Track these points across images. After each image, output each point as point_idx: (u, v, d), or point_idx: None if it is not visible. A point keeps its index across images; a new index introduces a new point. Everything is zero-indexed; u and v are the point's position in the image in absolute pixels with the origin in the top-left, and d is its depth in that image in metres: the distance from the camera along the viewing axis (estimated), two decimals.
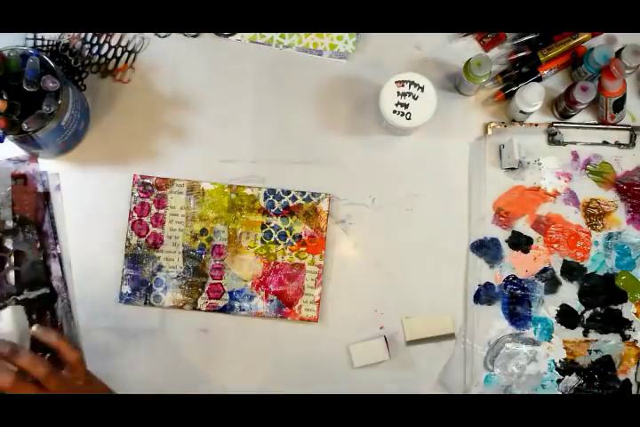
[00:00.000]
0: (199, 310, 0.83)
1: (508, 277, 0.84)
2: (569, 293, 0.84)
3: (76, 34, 0.87)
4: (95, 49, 0.87)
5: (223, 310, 0.83)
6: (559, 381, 0.82)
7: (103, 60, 0.87)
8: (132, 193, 0.84)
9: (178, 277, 0.83)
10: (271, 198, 0.85)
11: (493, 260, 0.84)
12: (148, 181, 0.85)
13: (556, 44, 0.86)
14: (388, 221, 0.85)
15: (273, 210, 0.84)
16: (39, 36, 0.86)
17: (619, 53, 0.83)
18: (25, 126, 0.74)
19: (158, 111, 0.87)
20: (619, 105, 0.84)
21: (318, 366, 0.83)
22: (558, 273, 0.84)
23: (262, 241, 0.84)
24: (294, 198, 0.85)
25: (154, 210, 0.84)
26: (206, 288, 0.83)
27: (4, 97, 0.75)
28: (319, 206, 0.84)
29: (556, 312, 0.83)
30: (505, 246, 0.84)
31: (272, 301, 0.83)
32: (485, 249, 0.84)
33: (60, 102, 0.75)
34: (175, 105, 0.87)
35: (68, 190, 0.85)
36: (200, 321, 0.84)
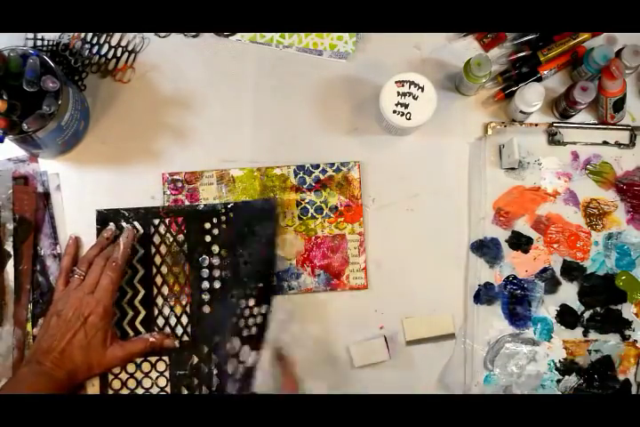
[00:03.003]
0: None
1: (507, 277, 0.84)
2: (569, 293, 0.84)
3: (75, 34, 0.87)
4: (95, 49, 0.87)
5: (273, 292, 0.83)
6: (559, 381, 0.82)
7: (103, 60, 0.87)
8: (164, 192, 0.85)
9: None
10: (302, 175, 0.85)
11: (493, 260, 0.84)
12: (177, 177, 0.85)
13: (555, 44, 0.86)
14: (388, 221, 0.85)
15: (305, 186, 0.85)
16: (39, 36, 0.86)
17: (619, 53, 0.83)
18: (25, 126, 0.74)
19: (158, 111, 0.87)
20: (619, 105, 0.84)
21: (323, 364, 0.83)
22: (558, 273, 0.84)
23: (300, 218, 0.85)
24: (324, 171, 0.85)
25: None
26: None
27: (4, 97, 0.75)
28: (350, 175, 0.85)
29: (556, 312, 0.83)
30: (505, 246, 0.84)
31: (319, 275, 0.84)
32: (485, 249, 0.84)
33: (60, 102, 0.75)
34: (175, 105, 0.87)
35: (68, 190, 0.85)
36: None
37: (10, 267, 0.81)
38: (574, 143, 0.86)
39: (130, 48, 0.87)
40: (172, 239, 0.82)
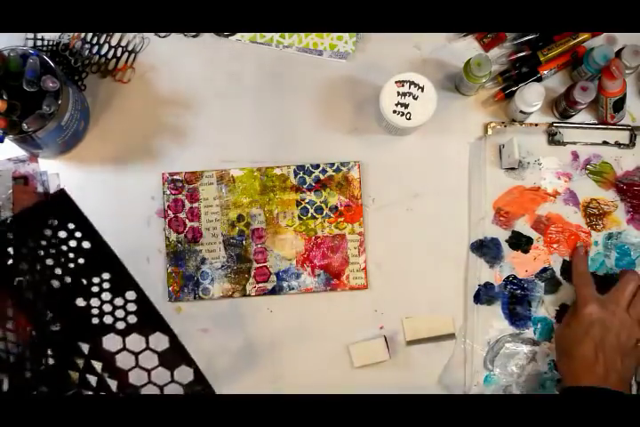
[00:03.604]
0: (249, 295, 0.84)
1: (507, 277, 0.84)
2: (569, 293, 0.84)
3: (75, 34, 0.87)
4: (95, 49, 0.87)
5: (272, 292, 0.84)
6: (559, 381, 0.82)
7: (103, 60, 0.87)
8: (164, 192, 0.85)
9: (222, 267, 0.84)
10: (302, 175, 0.85)
11: (493, 260, 0.84)
12: (177, 177, 0.85)
13: (555, 44, 0.86)
14: (388, 221, 0.85)
15: (305, 186, 0.85)
16: (39, 36, 0.86)
17: (619, 53, 0.83)
18: (25, 126, 0.74)
19: (158, 111, 0.87)
20: (619, 105, 0.84)
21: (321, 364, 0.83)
22: (558, 273, 0.84)
23: (300, 218, 0.85)
24: (324, 171, 0.85)
25: (188, 205, 0.85)
26: (252, 273, 0.84)
27: (4, 97, 0.75)
28: (350, 175, 0.85)
29: (556, 312, 0.83)
30: (505, 246, 0.84)
31: (319, 275, 0.84)
32: (485, 249, 0.84)
33: (60, 102, 0.75)
34: (175, 105, 0.87)
35: (68, 190, 0.85)
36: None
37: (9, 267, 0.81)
38: (574, 143, 0.86)
39: (130, 48, 0.87)
40: None
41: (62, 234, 0.75)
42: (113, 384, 0.75)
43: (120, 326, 0.76)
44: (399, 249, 0.85)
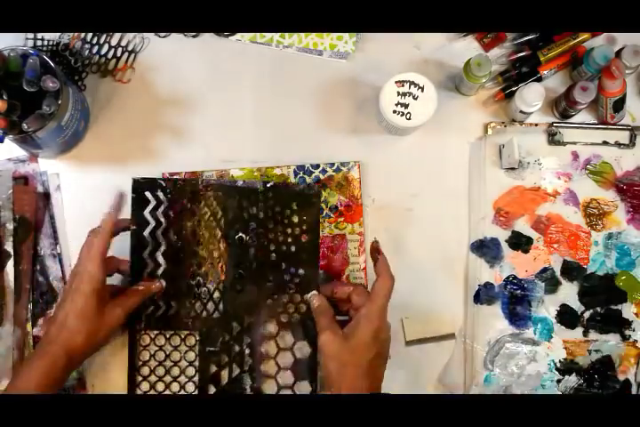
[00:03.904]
0: None
1: (508, 277, 0.84)
2: (569, 293, 0.84)
3: (75, 34, 0.87)
4: (95, 49, 0.87)
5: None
6: (559, 381, 0.82)
7: (103, 60, 0.87)
8: None
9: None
10: (302, 175, 0.85)
11: (493, 260, 0.84)
12: (177, 177, 0.85)
13: (555, 44, 0.86)
14: (388, 221, 0.85)
15: None
16: (39, 36, 0.86)
17: (619, 53, 0.83)
18: (25, 126, 0.74)
19: (158, 111, 0.87)
20: (619, 105, 0.84)
21: None
22: (558, 273, 0.84)
23: None
24: (324, 171, 0.85)
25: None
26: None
27: (4, 97, 0.75)
28: (350, 175, 0.85)
29: (556, 312, 0.83)
30: (505, 246, 0.84)
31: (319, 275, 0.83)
32: (485, 249, 0.84)
33: (60, 102, 0.75)
34: (175, 105, 0.87)
35: (68, 190, 0.85)
36: None
37: (10, 267, 0.81)
38: (574, 143, 0.86)
39: (130, 48, 0.87)
40: (209, 214, 0.79)
41: (295, 219, 0.79)
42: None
43: (283, 318, 0.79)
44: (399, 249, 0.85)
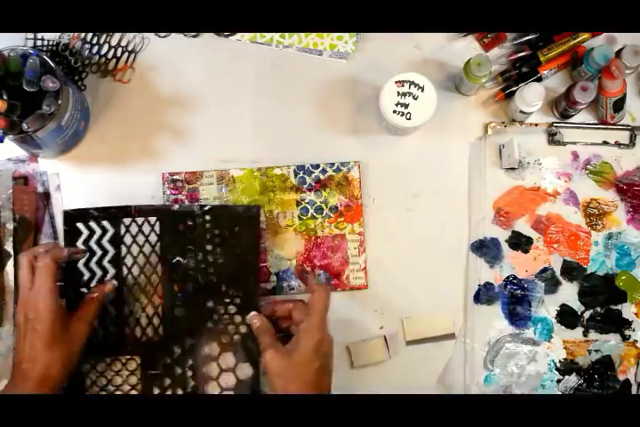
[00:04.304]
0: None
1: (507, 277, 0.84)
2: (569, 293, 0.84)
3: (75, 34, 0.87)
4: (95, 49, 0.87)
5: (272, 292, 0.83)
6: (559, 381, 0.82)
7: (103, 60, 0.87)
8: (164, 192, 0.85)
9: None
10: (302, 175, 0.85)
11: (493, 260, 0.84)
12: (177, 177, 0.85)
13: (556, 44, 0.86)
14: (388, 221, 0.85)
15: (305, 186, 0.85)
16: (39, 36, 0.86)
17: (619, 53, 0.83)
18: (25, 126, 0.74)
19: (158, 111, 0.87)
20: (619, 105, 0.84)
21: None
22: (558, 273, 0.84)
23: (300, 218, 0.85)
24: (324, 171, 0.85)
25: None
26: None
27: (4, 97, 0.75)
28: (350, 175, 0.85)
29: (556, 312, 0.83)
30: (505, 246, 0.84)
31: (319, 275, 0.84)
32: (485, 249, 0.84)
33: (59, 102, 0.75)
34: (175, 105, 0.87)
35: (68, 190, 0.85)
36: None
37: (10, 267, 0.81)
38: (574, 143, 0.86)
39: (130, 48, 0.87)
40: (143, 240, 0.79)
41: (233, 241, 0.79)
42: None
43: (224, 339, 0.78)
44: (399, 249, 0.85)
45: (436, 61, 0.88)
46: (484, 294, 0.83)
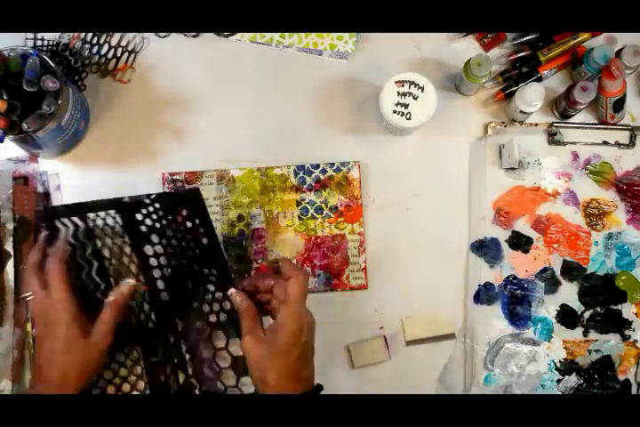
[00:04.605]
0: None
1: (508, 277, 0.84)
2: (569, 293, 0.84)
3: (75, 34, 0.87)
4: (95, 49, 0.87)
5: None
6: (559, 381, 0.82)
7: (103, 60, 0.87)
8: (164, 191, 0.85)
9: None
10: (302, 175, 0.85)
11: (493, 260, 0.84)
12: (177, 177, 0.85)
13: (556, 44, 0.86)
14: (388, 221, 0.85)
15: (305, 186, 0.85)
16: (39, 36, 0.86)
17: (619, 53, 0.83)
18: (25, 126, 0.74)
19: (158, 111, 0.87)
20: (619, 105, 0.84)
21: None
22: (558, 273, 0.84)
23: (300, 218, 0.85)
24: (324, 171, 0.85)
25: None
26: (253, 273, 0.84)
27: (4, 97, 0.75)
28: (350, 175, 0.85)
29: (556, 312, 0.83)
30: (505, 246, 0.84)
31: (319, 275, 0.84)
32: (485, 249, 0.84)
33: (59, 102, 0.75)
34: (175, 105, 0.87)
35: (68, 190, 0.85)
36: None
37: (10, 267, 0.81)
38: (574, 143, 0.86)
39: (130, 48, 0.87)
40: (111, 232, 0.80)
41: (189, 224, 0.80)
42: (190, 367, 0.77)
43: (212, 318, 0.78)
44: (399, 249, 0.85)
45: (436, 61, 0.88)
46: (483, 294, 0.83)
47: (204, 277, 0.79)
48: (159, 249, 0.80)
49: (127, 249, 0.80)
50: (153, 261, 0.80)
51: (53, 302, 0.70)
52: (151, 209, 0.80)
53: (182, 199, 0.80)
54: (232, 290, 0.75)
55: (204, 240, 0.79)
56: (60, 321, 0.70)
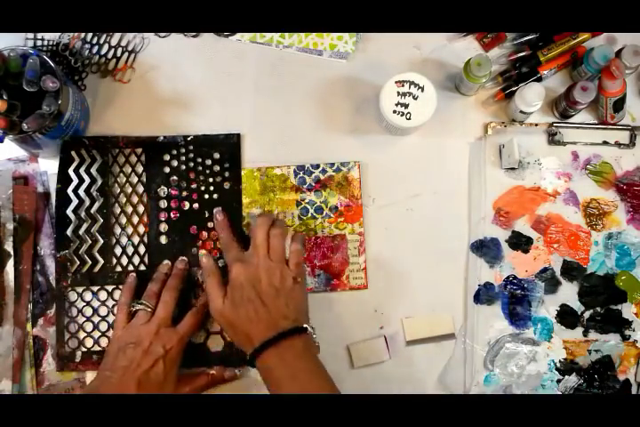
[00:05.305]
0: None
1: (507, 277, 0.84)
2: (569, 293, 0.84)
3: (75, 34, 0.87)
4: (95, 49, 0.87)
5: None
6: (559, 381, 0.82)
7: (103, 60, 0.87)
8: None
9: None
10: (302, 175, 0.85)
11: (493, 260, 0.84)
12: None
13: (556, 44, 0.86)
14: (388, 221, 0.85)
15: (305, 186, 0.85)
16: (39, 36, 0.86)
17: (619, 53, 0.83)
18: (25, 126, 0.74)
19: (158, 111, 0.87)
20: (619, 105, 0.84)
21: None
22: (558, 273, 0.84)
23: (300, 218, 0.85)
24: (324, 171, 0.85)
25: None
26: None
27: (4, 97, 0.75)
28: (350, 175, 0.85)
29: (556, 312, 0.83)
30: (505, 246, 0.84)
31: (319, 275, 0.83)
32: (485, 249, 0.84)
33: (60, 102, 0.75)
34: (175, 105, 0.87)
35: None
36: None
37: (10, 267, 0.81)
38: (574, 143, 0.86)
39: (130, 48, 0.87)
40: (130, 170, 0.82)
41: (216, 168, 0.83)
42: None
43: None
44: (399, 249, 0.85)
45: (435, 61, 0.88)
46: (483, 294, 0.83)
47: (211, 222, 0.81)
48: (174, 191, 0.82)
49: (140, 189, 0.82)
50: (163, 204, 0.82)
51: (177, 336, 0.75)
52: (182, 151, 0.83)
53: (220, 142, 0.83)
54: (202, 251, 0.80)
55: (226, 185, 0.82)
56: (173, 358, 0.75)
